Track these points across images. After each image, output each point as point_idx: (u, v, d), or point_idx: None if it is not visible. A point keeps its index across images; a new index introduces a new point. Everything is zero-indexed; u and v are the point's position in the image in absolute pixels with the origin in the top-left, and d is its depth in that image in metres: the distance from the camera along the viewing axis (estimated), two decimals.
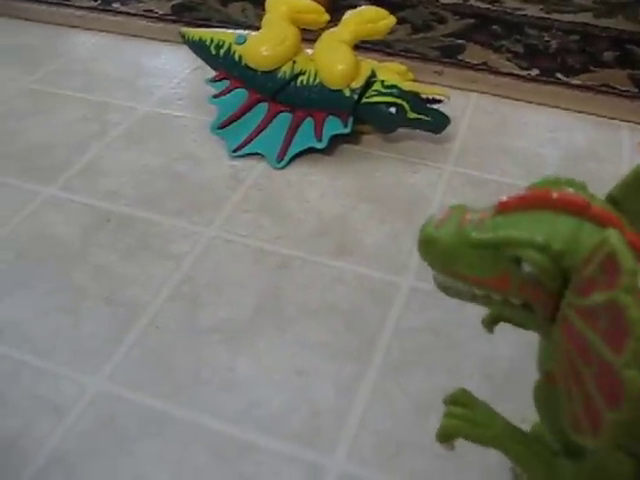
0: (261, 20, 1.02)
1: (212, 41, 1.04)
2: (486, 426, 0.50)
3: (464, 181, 0.96)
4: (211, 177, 0.96)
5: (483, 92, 1.16)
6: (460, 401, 0.53)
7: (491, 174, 0.97)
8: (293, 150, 0.98)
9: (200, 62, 1.09)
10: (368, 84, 0.97)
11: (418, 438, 0.64)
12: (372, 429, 0.65)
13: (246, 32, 1.03)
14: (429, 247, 0.44)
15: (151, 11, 1.40)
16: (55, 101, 1.14)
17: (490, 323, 0.53)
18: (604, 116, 1.11)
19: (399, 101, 0.96)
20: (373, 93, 0.97)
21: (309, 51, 1.01)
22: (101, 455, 0.63)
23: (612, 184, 0.44)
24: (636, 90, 1.15)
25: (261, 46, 0.99)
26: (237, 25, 1.29)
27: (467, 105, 1.12)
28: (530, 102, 1.14)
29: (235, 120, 1.01)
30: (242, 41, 1.01)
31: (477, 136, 1.05)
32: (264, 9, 1.02)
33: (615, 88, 1.16)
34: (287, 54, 0.99)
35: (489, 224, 0.42)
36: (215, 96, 1.02)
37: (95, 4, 1.44)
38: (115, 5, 1.43)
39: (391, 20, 0.98)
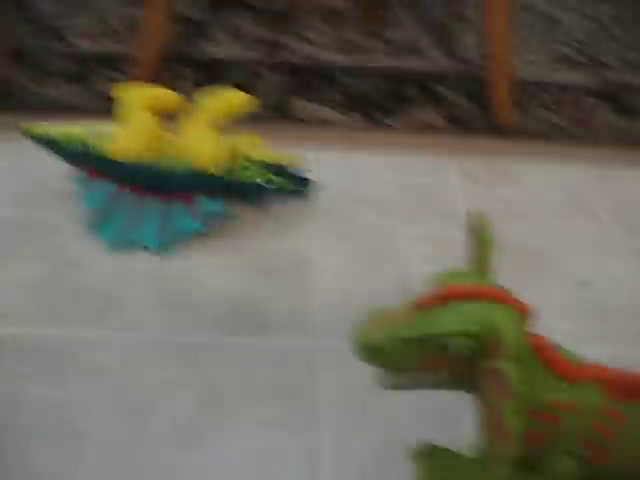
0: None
1: (66, 137, 1.02)
2: (475, 475, 0.60)
3: (339, 237, 1.05)
4: (103, 277, 0.96)
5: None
6: (433, 454, 0.63)
7: (360, 224, 1.08)
8: (173, 235, 1.01)
9: (41, 157, 1.07)
10: (233, 161, 1.02)
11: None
12: None
13: (102, 125, 1.03)
14: (368, 351, 0.56)
15: None
16: None
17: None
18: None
19: (265, 174, 1.03)
20: (240, 169, 1.02)
21: (171, 136, 1.04)
22: None
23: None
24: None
25: (123, 138, 1.00)
26: (68, 109, 1.27)
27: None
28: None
29: (107, 214, 1.01)
30: (102, 135, 1.01)
31: (334, 192, 1.14)
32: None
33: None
34: (150, 142, 1.01)
35: (415, 321, 0.55)
36: (81, 192, 1.02)
37: None
38: None
39: (247, 99, 1.04)
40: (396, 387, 0.59)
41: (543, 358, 0.57)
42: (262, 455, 0.75)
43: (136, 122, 1.01)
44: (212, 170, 1.01)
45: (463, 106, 1.38)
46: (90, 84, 1.37)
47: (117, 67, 1.41)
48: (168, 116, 1.05)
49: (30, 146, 1.08)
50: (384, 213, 1.11)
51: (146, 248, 1.01)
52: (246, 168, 1.03)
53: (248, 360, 0.86)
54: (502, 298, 0.55)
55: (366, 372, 0.81)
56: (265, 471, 0.74)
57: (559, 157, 1.27)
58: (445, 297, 0.55)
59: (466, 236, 0.62)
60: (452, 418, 0.78)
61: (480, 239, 0.59)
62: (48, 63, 1.45)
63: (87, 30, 1.57)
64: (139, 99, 1.02)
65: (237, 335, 0.89)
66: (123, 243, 1.01)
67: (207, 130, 1.01)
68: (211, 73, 1.04)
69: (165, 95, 1.04)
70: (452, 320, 0.54)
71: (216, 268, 0.99)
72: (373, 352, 0.54)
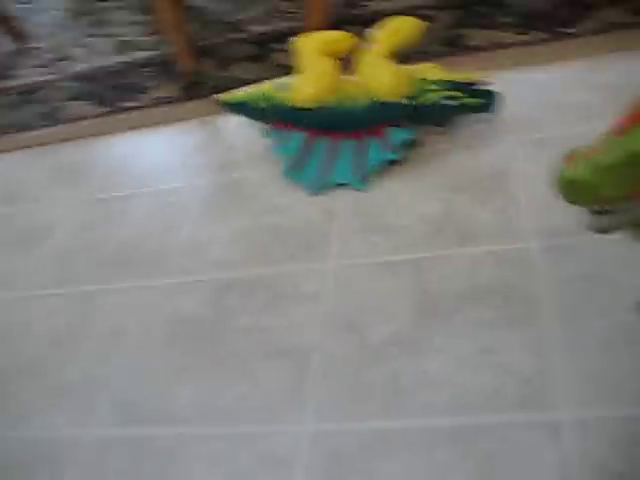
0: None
1: (254, 98, 1.08)
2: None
3: (533, 145, 1.01)
4: (305, 217, 1.00)
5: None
6: None
7: (552, 129, 1.02)
8: (371, 168, 1.02)
9: (235, 129, 1.14)
10: (419, 87, 1.02)
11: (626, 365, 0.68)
12: (579, 374, 0.69)
13: (283, 79, 1.08)
14: (573, 188, 0.52)
15: (160, 98, 1.45)
16: (119, 203, 1.17)
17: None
18: None
19: (454, 93, 1.01)
20: (424, 93, 1.01)
21: (350, 77, 1.06)
22: None
23: None
24: None
25: (305, 86, 1.04)
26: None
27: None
28: None
29: (304, 161, 1.05)
30: (284, 87, 1.06)
31: (520, 104, 1.10)
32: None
33: None
34: (332, 85, 1.04)
35: (614, 147, 0.50)
36: (276, 146, 1.07)
37: (105, 110, 1.48)
38: (126, 104, 1.47)
39: (419, 24, 1.04)
40: (605, 229, 0.56)
41: None
42: (483, 353, 0.74)
43: (313, 68, 1.04)
44: (395, 98, 1.02)
45: None
46: (268, 59, 1.45)
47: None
48: (344, 57, 1.07)
49: (224, 123, 1.17)
50: (575, 116, 1.04)
51: (344, 185, 1.03)
52: (430, 91, 1.02)
53: (458, 269, 0.85)
54: None
55: (584, 266, 0.79)
56: (488, 367, 0.72)
57: None
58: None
59: None
60: None
61: None
62: (230, 51, 1.54)
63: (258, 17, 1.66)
64: (312, 45, 1.05)
65: (444, 248, 0.88)
66: (321, 184, 1.04)
67: (384, 61, 1.02)
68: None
69: (337, 36, 1.06)
70: None
71: (415, 192, 0.98)
72: (576, 188, 0.52)
